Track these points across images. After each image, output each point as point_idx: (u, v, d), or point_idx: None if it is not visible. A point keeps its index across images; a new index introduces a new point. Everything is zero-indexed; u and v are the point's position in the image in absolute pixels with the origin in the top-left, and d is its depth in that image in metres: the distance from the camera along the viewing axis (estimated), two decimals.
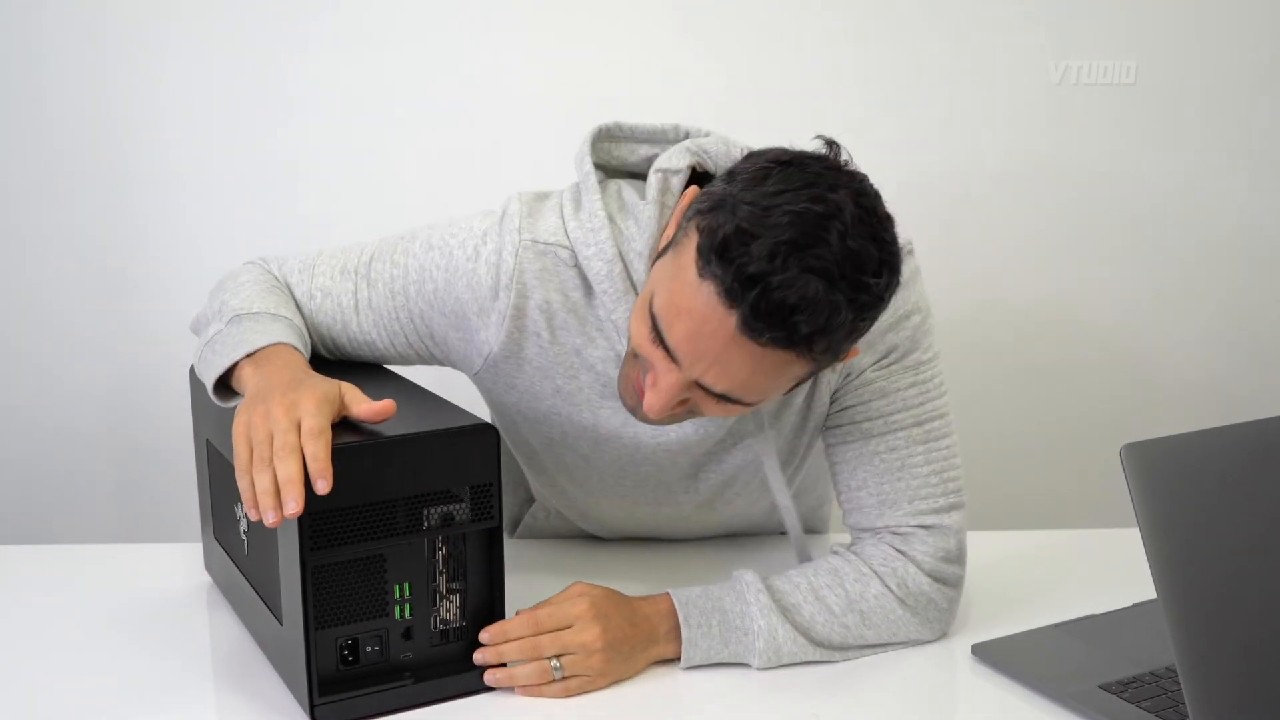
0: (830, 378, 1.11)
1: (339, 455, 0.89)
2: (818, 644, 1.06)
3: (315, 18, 1.67)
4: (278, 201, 1.73)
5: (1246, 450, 0.86)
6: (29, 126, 1.70)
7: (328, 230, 1.74)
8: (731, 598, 1.06)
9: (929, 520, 1.10)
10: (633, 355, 1.00)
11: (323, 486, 0.87)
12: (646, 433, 1.12)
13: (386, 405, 0.94)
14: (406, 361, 1.17)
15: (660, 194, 1.04)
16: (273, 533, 0.97)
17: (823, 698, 1.01)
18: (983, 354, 1.83)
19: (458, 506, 0.96)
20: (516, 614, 1.02)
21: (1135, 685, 1.00)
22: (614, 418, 1.11)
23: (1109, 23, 1.72)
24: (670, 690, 1.02)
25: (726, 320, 0.91)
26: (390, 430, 0.94)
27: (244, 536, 1.08)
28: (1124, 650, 1.06)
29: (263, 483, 0.88)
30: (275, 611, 1.00)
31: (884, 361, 1.11)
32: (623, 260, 1.05)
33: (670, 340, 0.94)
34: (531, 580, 1.18)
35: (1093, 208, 1.78)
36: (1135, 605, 1.16)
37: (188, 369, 1.23)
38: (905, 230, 1.10)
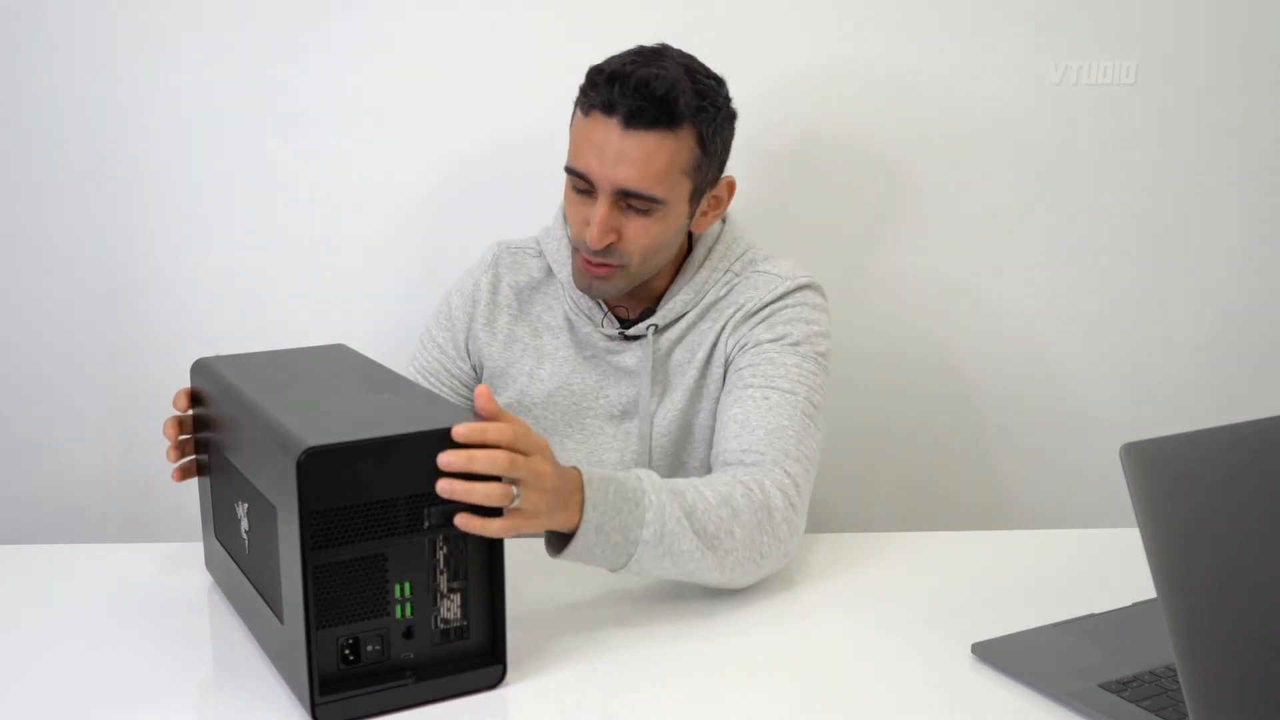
0: (728, 344, 1.37)
1: (341, 453, 0.90)
2: (697, 531, 1.12)
3: (321, 21, 1.67)
4: (282, 204, 1.73)
5: (1246, 450, 0.86)
6: (33, 128, 1.70)
7: (332, 232, 1.74)
8: (627, 476, 1.11)
9: (775, 454, 1.24)
10: (574, 251, 1.36)
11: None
12: (590, 382, 1.42)
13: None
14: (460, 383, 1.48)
15: None
16: (274, 532, 0.97)
17: (822, 697, 1.01)
18: (982, 353, 1.83)
19: (458, 505, 0.96)
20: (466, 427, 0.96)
21: (1135, 684, 1.00)
22: (563, 366, 1.42)
23: (1109, 23, 1.72)
24: (666, 689, 1.02)
25: (613, 125, 1.28)
26: (391, 429, 0.94)
27: (245, 536, 1.08)
28: (1124, 649, 1.06)
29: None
30: (276, 610, 1.00)
31: (778, 341, 1.34)
32: (569, 239, 1.40)
33: (581, 168, 1.30)
34: (530, 580, 1.18)
35: (1093, 208, 1.79)
36: (1135, 604, 1.16)
37: (189, 368, 1.23)
38: (813, 270, 1.41)
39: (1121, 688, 0.99)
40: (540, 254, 1.47)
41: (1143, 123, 1.76)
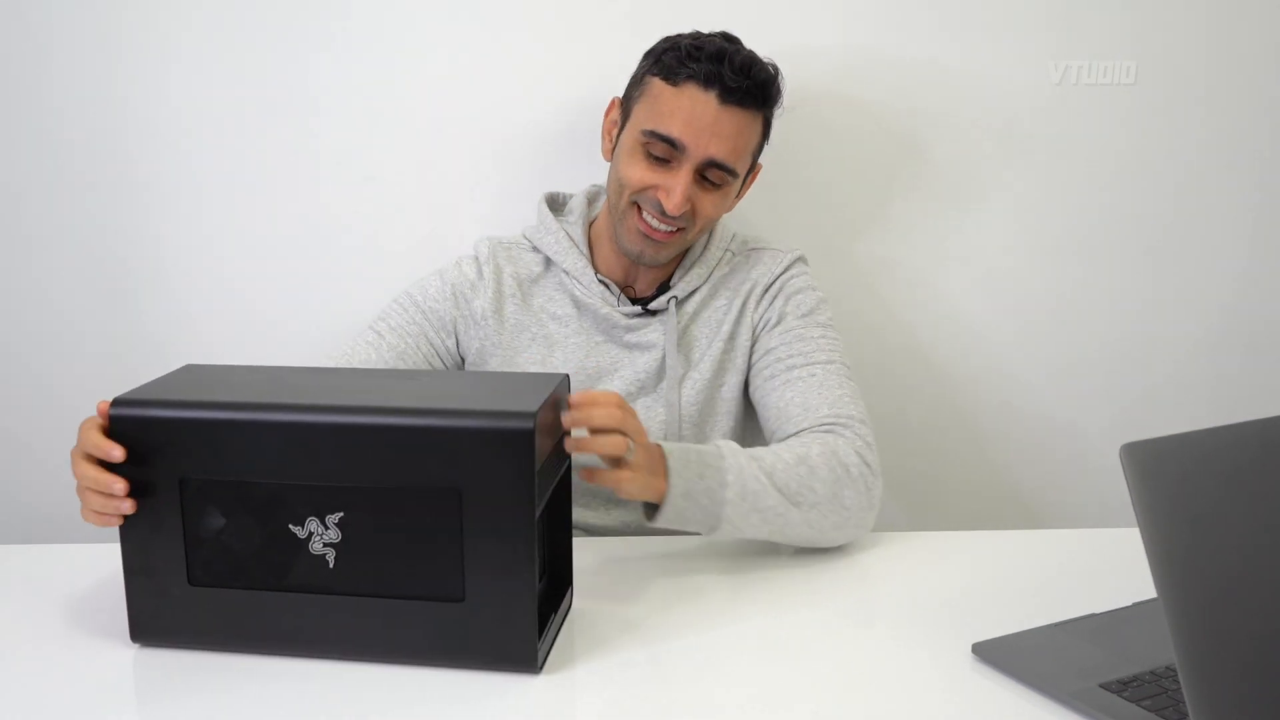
0: (753, 319, 1.46)
1: (539, 417, 1.01)
2: (780, 489, 1.20)
3: (322, 20, 1.67)
4: (281, 206, 1.73)
5: (1246, 450, 0.86)
6: (34, 126, 1.70)
7: (331, 234, 1.74)
8: (706, 446, 1.20)
9: (844, 419, 1.32)
10: (631, 205, 1.39)
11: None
12: (606, 361, 1.47)
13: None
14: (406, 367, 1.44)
15: (584, 198, 1.53)
16: (451, 515, 1.01)
17: (823, 697, 1.01)
18: (982, 353, 1.83)
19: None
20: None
21: (1135, 684, 1.00)
22: (577, 351, 1.46)
23: (1109, 23, 1.72)
24: (670, 691, 1.02)
25: (709, 99, 1.34)
26: (538, 395, 1.04)
27: (328, 548, 1.04)
28: (1124, 649, 1.06)
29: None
30: (446, 594, 1.03)
31: (795, 314, 1.44)
32: (565, 232, 1.49)
33: (675, 134, 1.34)
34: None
35: (1093, 208, 1.79)
36: (1135, 604, 1.17)
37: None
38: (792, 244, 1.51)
39: (1122, 688, 0.99)
40: (534, 249, 1.51)
41: (1143, 123, 1.76)
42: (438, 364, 1.49)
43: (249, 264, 1.74)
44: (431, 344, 1.48)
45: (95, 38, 1.67)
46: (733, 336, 1.46)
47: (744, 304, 1.47)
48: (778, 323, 1.45)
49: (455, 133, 1.71)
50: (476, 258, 1.51)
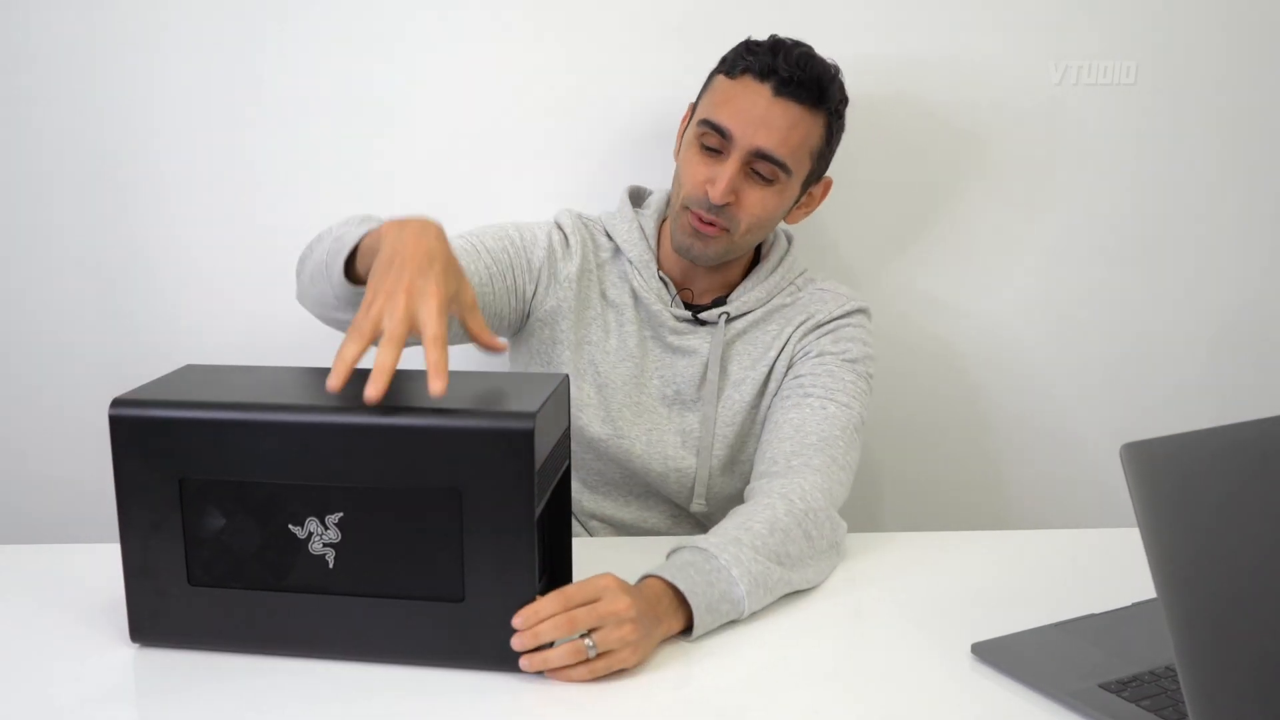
0: (794, 350, 1.45)
1: (540, 418, 1.01)
2: (776, 561, 1.17)
3: (311, 18, 1.67)
4: (275, 204, 1.73)
5: (1246, 450, 0.86)
6: (19, 128, 1.70)
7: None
8: (688, 555, 1.15)
9: (822, 461, 1.31)
10: (683, 208, 1.42)
11: (439, 387, 0.97)
12: (650, 359, 1.48)
13: (501, 345, 1.11)
14: (489, 291, 1.42)
15: (663, 195, 1.54)
16: (452, 516, 1.01)
17: (822, 697, 1.01)
18: (982, 353, 1.83)
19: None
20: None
21: (1135, 684, 1.00)
22: (629, 340, 1.47)
23: (1109, 23, 1.72)
24: (669, 690, 1.02)
25: (763, 90, 1.36)
26: (538, 395, 1.04)
27: (327, 548, 1.04)
28: (1124, 649, 1.06)
29: (348, 351, 1.00)
30: (445, 594, 1.03)
31: (838, 355, 1.43)
32: (638, 223, 1.50)
33: (724, 122, 1.37)
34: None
35: (1093, 208, 1.79)
36: (1135, 605, 1.17)
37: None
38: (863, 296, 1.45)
39: (1121, 688, 0.99)
40: (607, 234, 1.52)
41: (1143, 123, 1.76)
42: (513, 303, 1.45)
43: (240, 263, 1.74)
44: (516, 278, 1.45)
45: (79, 35, 1.67)
46: (775, 363, 1.46)
47: (792, 334, 1.47)
48: (816, 355, 1.44)
49: (453, 127, 1.71)
50: (560, 226, 1.50)
